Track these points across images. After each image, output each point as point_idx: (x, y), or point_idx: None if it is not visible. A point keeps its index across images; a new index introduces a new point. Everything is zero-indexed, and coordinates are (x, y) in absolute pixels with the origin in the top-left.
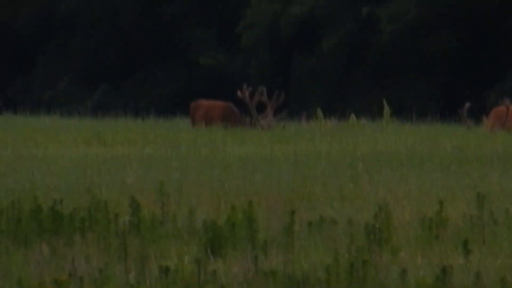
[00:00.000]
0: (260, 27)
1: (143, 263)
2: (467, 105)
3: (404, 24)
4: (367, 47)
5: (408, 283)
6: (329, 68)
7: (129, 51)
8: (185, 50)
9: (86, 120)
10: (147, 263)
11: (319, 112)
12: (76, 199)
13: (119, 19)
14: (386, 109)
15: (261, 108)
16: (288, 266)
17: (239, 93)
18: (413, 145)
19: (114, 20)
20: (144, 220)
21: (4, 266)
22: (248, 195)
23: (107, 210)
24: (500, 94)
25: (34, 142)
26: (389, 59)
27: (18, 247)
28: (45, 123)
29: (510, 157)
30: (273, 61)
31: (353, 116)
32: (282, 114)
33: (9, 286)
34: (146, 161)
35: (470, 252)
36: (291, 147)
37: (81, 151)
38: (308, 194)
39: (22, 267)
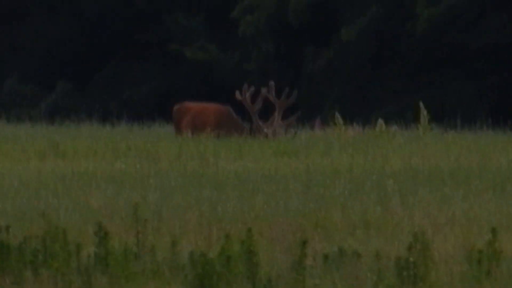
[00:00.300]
0: (263, 12)
1: None
2: None
3: (446, 9)
4: (398, 37)
5: None
6: (349, 63)
7: (94, 42)
8: (166, 40)
9: (40, 127)
10: None
11: (338, 117)
12: (28, 226)
13: (82, 3)
14: (423, 114)
15: (266, 112)
16: None
17: (237, 94)
18: (458, 159)
19: (76, 3)
20: (113, 253)
21: None
22: (246, 221)
23: (66, 239)
24: None
25: None
26: (426, 52)
27: None
28: None
29: None
30: (279, 54)
31: (381, 122)
32: (290, 119)
33: None
34: (116, 178)
35: None
36: (301, 162)
37: (33, 166)
38: (323, 220)
39: None
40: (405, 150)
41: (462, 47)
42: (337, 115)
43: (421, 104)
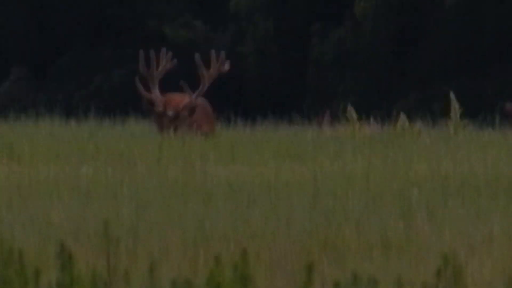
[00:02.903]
0: None
1: None
2: None
3: None
4: (424, 12)
5: None
6: (365, 43)
7: (55, 20)
8: (142, 17)
9: None
10: None
11: (351, 111)
12: None
13: None
14: (455, 108)
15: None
16: None
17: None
18: (497, 164)
19: None
20: (79, 280)
21: None
22: (240, 241)
23: (22, 263)
24: None
25: None
26: (458, 32)
27: None
28: None
29: None
30: (279, 34)
31: (403, 117)
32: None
33: None
34: (82, 187)
35: None
36: (307, 167)
37: None
38: (333, 239)
39: None
40: (432, 153)
41: (501, 28)
42: (350, 108)
43: (451, 95)
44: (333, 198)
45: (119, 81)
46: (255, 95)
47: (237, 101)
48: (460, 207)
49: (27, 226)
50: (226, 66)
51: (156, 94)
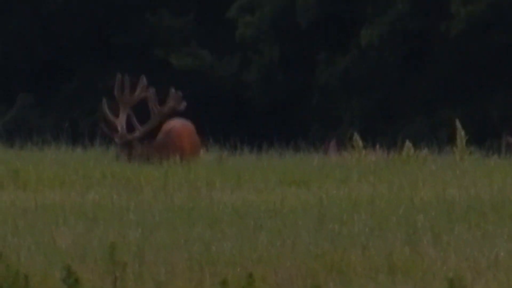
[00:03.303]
0: (265, 11)
1: None
2: None
3: (487, 6)
4: (429, 40)
5: None
6: (370, 71)
7: (60, 46)
8: (148, 44)
9: None
10: None
11: (357, 138)
12: None
13: (46, 1)
14: (461, 135)
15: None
16: None
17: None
18: (502, 190)
19: (38, 1)
20: None
21: None
22: (247, 265)
23: (28, 287)
24: None
25: None
26: (463, 59)
27: None
28: None
29: None
30: (286, 62)
31: (409, 144)
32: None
33: None
34: (89, 212)
35: None
36: (313, 192)
37: None
38: (339, 263)
39: None
40: (438, 179)
41: (508, 53)
42: (356, 135)
43: (457, 123)
44: (339, 222)
45: None
46: (261, 122)
47: (243, 127)
48: (465, 232)
49: (33, 251)
50: (182, 105)
51: (120, 119)
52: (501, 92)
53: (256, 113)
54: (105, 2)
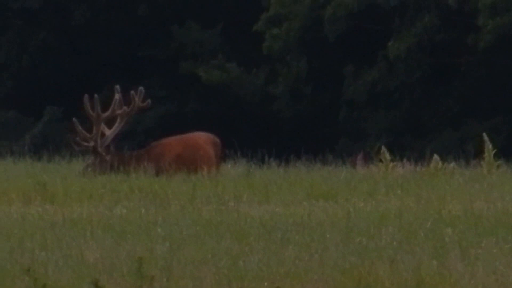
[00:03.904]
0: (292, 24)
1: None
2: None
3: None
4: (456, 53)
5: None
6: (398, 85)
7: (88, 61)
8: (175, 59)
9: (24, 164)
10: None
11: (384, 152)
12: (9, 285)
13: (74, 15)
14: (488, 148)
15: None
16: None
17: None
18: None
19: (66, 16)
20: None
21: None
22: (274, 279)
23: None
24: None
25: None
26: (490, 72)
27: None
28: None
29: None
30: (313, 75)
31: (436, 157)
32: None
33: None
34: (116, 226)
35: None
36: (341, 206)
37: (16, 211)
38: (367, 277)
39: None
40: (466, 192)
41: None
42: (384, 149)
43: (485, 136)
44: (367, 236)
45: (151, 121)
46: (288, 136)
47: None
48: (493, 246)
49: (61, 265)
50: (147, 103)
51: (94, 133)
52: None
53: (284, 126)
54: (133, 16)
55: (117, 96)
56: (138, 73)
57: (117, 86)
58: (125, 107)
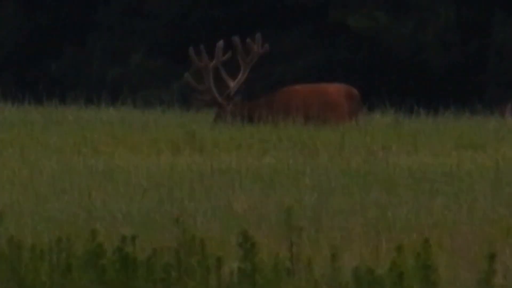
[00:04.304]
0: None
1: None
2: None
3: None
4: None
5: None
6: None
7: (237, 7)
8: (325, 7)
9: (172, 113)
10: None
11: None
12: (158, 236)
13: None
14: None
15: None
16: None
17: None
18: None
19: None
20: (262, 268)
21: None
22: (423, 230)
23: (204, 252)
24: None
25: (92, 146)
26: None
27: None
28: (109, 118)
29: None
30: (461, 23)
31: None
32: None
33: None
34: (265, 176)
35: None
36: (489, 156)
37: (165, 161)
38: None
39: None
40: None
41: None
42: None
43: None
44: None
45: (301, 71)
46: (437, 85)
47: (419, 91)
48: None
49: (210, 216)
50: (265, 48)
51: (207, 85)
52: None
53: (432, 75)
54: None
55: (220, 44)
56: (286, 21)
57: (235, 38)
58: (243, 55)
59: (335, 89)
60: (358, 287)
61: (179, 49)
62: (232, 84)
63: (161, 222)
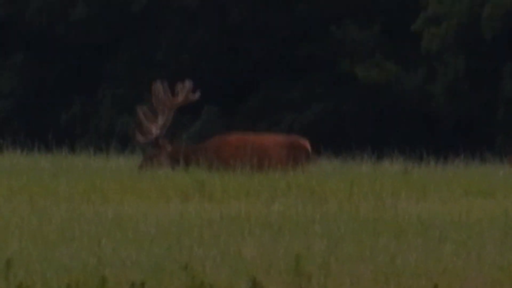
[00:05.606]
0: (450, 23)
1: None
2: None
3: None
4: None
5: None
6: None
7: (246, 59)
8: (334, 56)
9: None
10: None
11: None
12: (167, 282)
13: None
14: None
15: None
16: None
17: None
18: None
19: (224, 14)
20: None
21: None
22: (432, 276)
23: None
24: None
25: (101, 194)
26: None
27: None
28: (119, 165)
29: None
30: (471, 74)
31: None
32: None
33: None
34: (274, 223)
35: None
36: (499, 203)
37: (174, 209)
38: None
39: None
40: None
41: None
42: None
43: None
44: None
45: (311, 120)
46: (446, 134)
47: (429, 139)
48: None
49: (219, 261)
50: (196, 95)
51: (155, 125)
52: None
53: (442, 124)
54: (291, 15)
55: (157, 87)
56: (296, 71)
57: (158, 82)
58: (168, 98)
59: (272, 140)
60: None
61: None
62: (154, 129)
63: (170, 268)
